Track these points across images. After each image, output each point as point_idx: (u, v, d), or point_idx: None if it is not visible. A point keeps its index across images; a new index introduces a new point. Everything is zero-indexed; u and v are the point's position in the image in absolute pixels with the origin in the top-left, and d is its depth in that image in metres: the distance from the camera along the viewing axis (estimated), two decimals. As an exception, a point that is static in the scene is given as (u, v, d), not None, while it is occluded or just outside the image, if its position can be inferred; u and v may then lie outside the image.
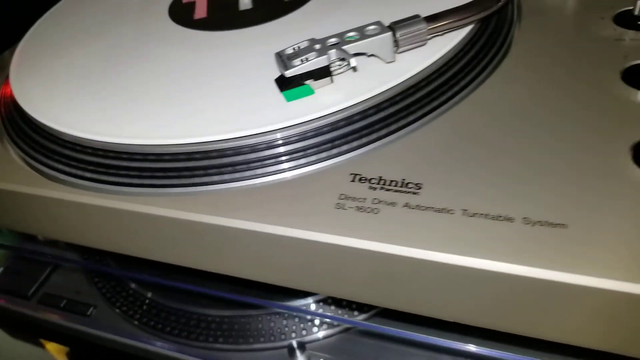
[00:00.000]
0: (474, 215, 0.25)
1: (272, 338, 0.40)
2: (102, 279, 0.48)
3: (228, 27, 0.39)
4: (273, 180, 0.29)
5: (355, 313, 0.41)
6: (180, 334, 0.43)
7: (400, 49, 0.31)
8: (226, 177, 0.29)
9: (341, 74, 0.31)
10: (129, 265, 0.47)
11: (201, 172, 0.29)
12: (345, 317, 0.40)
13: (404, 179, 0.27)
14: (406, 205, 0.26)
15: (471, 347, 0.36)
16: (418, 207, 0.26)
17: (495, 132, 0.28)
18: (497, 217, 0.24)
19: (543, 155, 0.27)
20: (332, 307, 0.41)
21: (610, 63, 0.32)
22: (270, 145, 0.29)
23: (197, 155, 0.29)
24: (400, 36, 0.30)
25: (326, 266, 0.26)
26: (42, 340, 0.52)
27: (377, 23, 0.31)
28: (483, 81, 0.31)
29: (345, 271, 0.26)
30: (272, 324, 0.40)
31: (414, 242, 0.24)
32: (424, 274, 0.24)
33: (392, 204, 0.26)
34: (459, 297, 0.25)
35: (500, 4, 0.31)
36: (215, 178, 0.29)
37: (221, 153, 0.29)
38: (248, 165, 0.29)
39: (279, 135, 0.29)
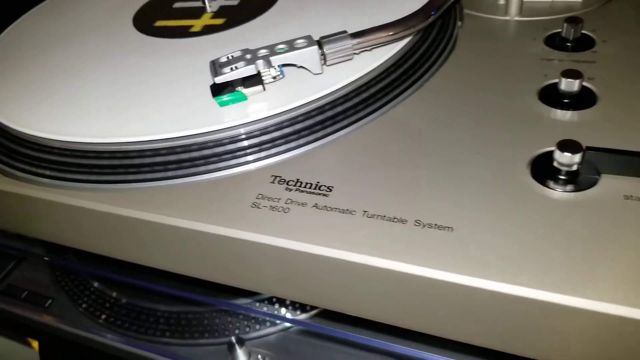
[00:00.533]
0: (372, 216, 0.27)
1: (216, 334, 0.42)
2: (61, 272, 0.50)
3: (186, 35, 0.41)
4: (204, 179, 0.31)
5: (298, 312, 0.42)
6: (130, 328, 0.45)
7: (329, 62, 0.33)
8: (159, 175, 0.31)
9: (273, 83, 0.33)
10: (87, 259, 0.49)
11: (134, 170, 0.31)
12: (288, 316, 0.42)
13: (318, 182, 0.29)
14: (315, 205, 0.28)
15: (401, 348, 0.37)
16: (325, 207, 0.28)
17: (406, 144, 0.30)
18: (392, 219, 0.26)
19: (446, 165, 0.29)
20: (276, 306, 0.43)
21: (530, 81, 0.34)
22: (202, 147, 0.31)
23: (132, 154, 0.31)
24: (327, 50, 0.32)
25: (236, 260, 0.28)
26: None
27: (307, 37, 0.33)
28: (406, 97, 0.33)
29: (254, 266, 0.28)
30: (216, 321, 0.42)
31: (312, 239, 0.26)
32: (321, 269, 0.26)
33: (303, 204, 0.28)
34: (354, 291, 0.27)
35: (423, 23, 0.33)
36: (149, 176, 0.31)
37: (155, 152, 0.31)
38: (179, 164, 0.31)
39: (210, 137, 0.31)
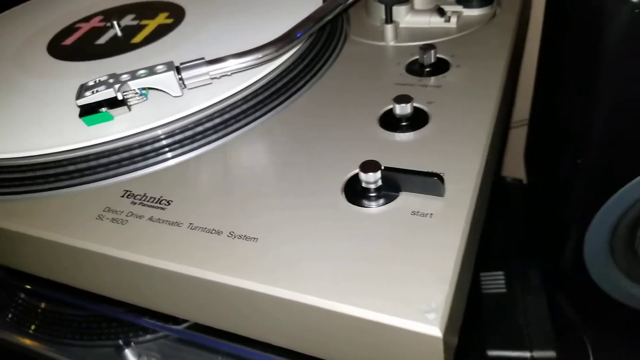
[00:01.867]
0: (195, 228, 0.29)
1: (103, 337, 0.44)
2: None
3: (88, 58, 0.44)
4: (66, 192, 0.34)
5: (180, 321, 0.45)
6: (37, 329, 0.48)
7: (188, 86, 0.36)
8: (21, 189, 0.34)
9: (141, 103, 0.36)
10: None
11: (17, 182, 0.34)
12: (170, 324, 0.44)
13: (161, 196, 0.32)
14: (150, 218, 0.31)
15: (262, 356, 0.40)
16: (159, 220, 0.30)
17: (244, 166, 0.33)
18: (210, 231, 0.29)
19: (275, 186, 0.31)
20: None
21: (378, 105, 0.36)
22: (62, 164, 0.34)
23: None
24: (185, 75, 0.35)
25: (79, 267, 0.31)
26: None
27: (168, 63, 0.36)
28: (261, 122, 0.36)
29: (94, 272, 0.31)
30: (103, 324, 0.45)
31: (135, 248, 0.29)
32: (143, 276, 0.29)
33: (141, 217, 0.31)
34: (175, 295, 0.29)
35: (276, 53, 0.36)
36: (12, 189, 0.34)
37: (16, 169, 0.34)
38: (44, 179, 0.34)
39: (70, 155, 0.34)
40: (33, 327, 0.49)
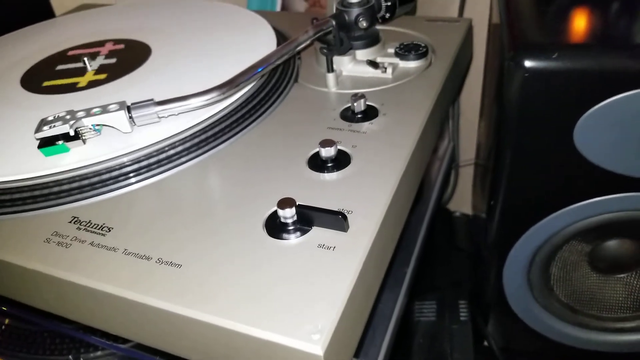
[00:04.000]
0: (129, 254, 0.33)
1: (56, 352, 0.47)
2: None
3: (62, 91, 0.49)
4: (20, 216, 0.37)
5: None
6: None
7: (138, 124, 0.40)
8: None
9: (94, 137, 0.40)
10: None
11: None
12: (119, 343, 0.48)
13: (104, 223, 0.36)
14: (91, 243, 0.34)
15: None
16: (98, 245, 0.34)
17: (181, 200, 0.37)
18: (142, 257, 0.33)
19: (202, 215, 0.35)
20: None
21: (308, 147, 0.40)
22: (21, 190, 0.38)
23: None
24: (134, 114, 0.39)
25: (26, 285, 0.35)
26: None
27: (120, 102, 0.40)
28: (202, 158, 0.40)
29: (39, 290, 0.35)
30: (57, 340, 0.48)
31: (73, 269, 0.32)
32: (87, 296, 0.32)
33: (83, 241, 0.34)
34: (106, 313, 0.33)
35: (219, 97, 0.40)
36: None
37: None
38: (1, 203, 0.38)
39: (27, 183, 0.38)
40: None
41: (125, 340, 0.48)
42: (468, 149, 0.77)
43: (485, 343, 0.53)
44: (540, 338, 0.52)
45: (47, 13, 0.84)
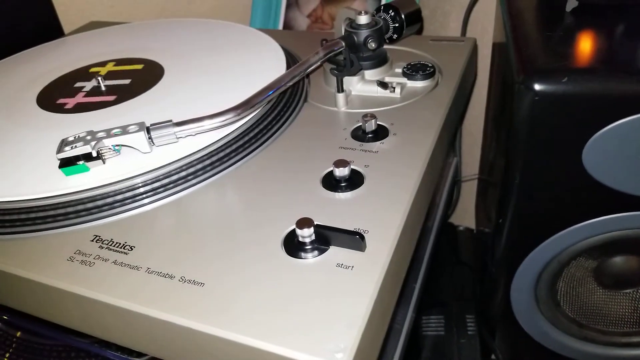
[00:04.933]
0: (152, 272, 0.34)
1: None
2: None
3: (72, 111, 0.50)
4: (43, 235, 0.38)
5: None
6: (11, 356, 0.51)
7: (157, 144, 0.41)
8: (13, 229, 0.38)
9: (112, 158, 0.41)
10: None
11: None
12: (133, 357, 0.48)
13: (125, 242, 0.37)
14: (114, 261, 0.35)
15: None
16: (122, 263, 0.35)
17: (201, 219, 0.38)
18: (165, 275, 0.34)
19: (222, 234, 0.36)
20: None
21: (322, 167, 0.41)
22: (46, 209, 0.39)
23: None
24: (154, 135, 0.40)
25: (50, 302, 0.36)
26: None
27: (139, 123, 0.41)
28: (215, 174, 0.41)
29: (62, 307, 0.35)
30: (72, 354, 0.49)
31: (101, 288, 0.33)
32: (110, 313, 0.33)
33: (106, 260, 0.35)
34: (132, 330, 0.34)
35: (234, 118, 0.42)
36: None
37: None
38: (24, 222, 0.39)
39: (48, 202, 0.39)
40: (7, 354, 0.52)
41: (139, 354, 0.48)
42: (470, 164, 0.78)
43: (493, 357, 0.54)
44: (547, 352, 0.53)
45: (56, 30, 0.85)
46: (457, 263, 0.67)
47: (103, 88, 0.54)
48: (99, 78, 0.54)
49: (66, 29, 0.86)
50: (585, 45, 0.40)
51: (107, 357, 0.49)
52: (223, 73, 0.53)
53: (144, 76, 0.55)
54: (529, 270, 0.47)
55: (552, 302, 0.51)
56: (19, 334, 0.55)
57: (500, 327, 0.53)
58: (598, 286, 0.50)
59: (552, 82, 0.36)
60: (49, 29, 0.84)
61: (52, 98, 0.53)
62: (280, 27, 0.80)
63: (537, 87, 0.37)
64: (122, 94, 0.51)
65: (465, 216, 0.85)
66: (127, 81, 0.55)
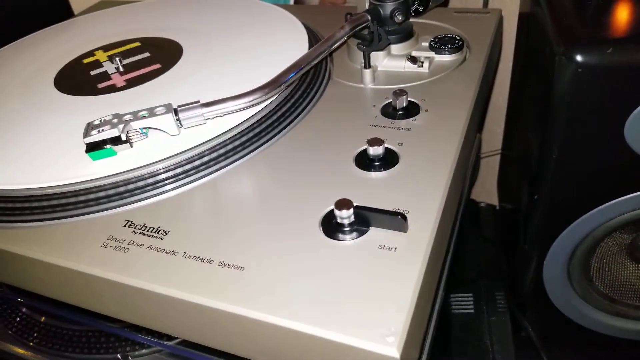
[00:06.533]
0: (189, 257, 0.33)
1: (102, 351, 0.48)
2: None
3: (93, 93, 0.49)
4: (74, 221, 0.37)
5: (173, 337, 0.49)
6: (38, 342, 0.51)
7: (185, 126, 0.40)
8: (37, 217, 0.38)
9: (139, 141, 0.40)
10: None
11: (18, 212, 0.38)
12: (164, 340, 0.48)
13: (159, 227, 0.36)
14: (149, 247, 0.34)
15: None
16: (157, 248, 0.34)
17: (234, 200, 0.37)
18: (203, 259, 0.33)
19: (257, 216, 0.35)
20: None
21: (354, 146, 0.40)
22: (72, 195, 0.38)
23: (14, 199, 0.38)
24: (182, 117, 0.39)
25: (84, 289, 0.35)
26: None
27: (167, 105, 0.40)
28: (249, 158, 0.40)
29: (97, 294, 0.35)
30: (102, 339, 0.49)
31: (136, 273, 0.33)
32: (142, 298, 0.33)
33: (140, 245, 0.35)
34: (169, 316, 0.33)
35: (261, 98, 0.40)
36: (28, 217, 0.38)
37: (29, 198, 0.38)
38: (52, 209, 0.38)
39: (78, 187, 0.38)
40: (34, 340, 0.52)
41: (170, 338, 0.48)
42: (487, 139, 0.77)
43: (523, 333, 0.53)
44: (578, 328, 0.52)
45: (65, 10, 0.83)
46: (481, 241, 0.66)
47: (121, 69, 0.53)
48: (117, 59, 0.53)
49: (76, 9, 0.84)
50: (626, 13, 0.39)
51: (138, 341, 0.49)
52: (243, 52, 0.52)
53: (162, 56, 0.53)
54: (563, 246, 0.46)
55: (585, 277, 0.50)
56: (43, 319, 0.54)
57: (531, 303, 0.53)
58: (631, 261, 0.49)
59: (595, 53, 0.35)
60: (58, 10, 0.82)
61: (70, 80, 0.52)
62: (291, 1, 0.78)
63: (579, 58, 0.35)
64: (142, 76, 0.50)
65: (485, 193, 0.84)
66: (145, 58, 0.54)
